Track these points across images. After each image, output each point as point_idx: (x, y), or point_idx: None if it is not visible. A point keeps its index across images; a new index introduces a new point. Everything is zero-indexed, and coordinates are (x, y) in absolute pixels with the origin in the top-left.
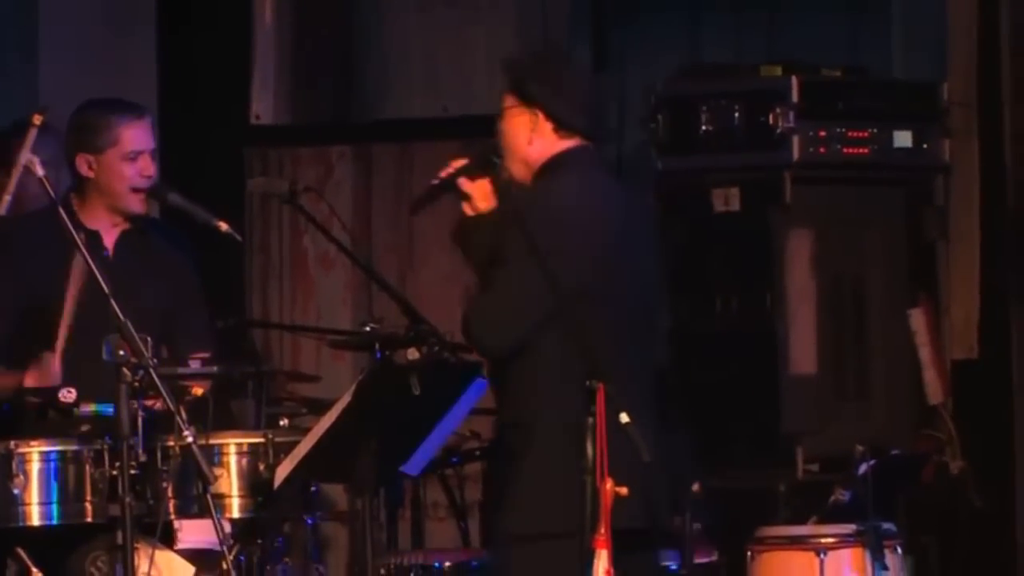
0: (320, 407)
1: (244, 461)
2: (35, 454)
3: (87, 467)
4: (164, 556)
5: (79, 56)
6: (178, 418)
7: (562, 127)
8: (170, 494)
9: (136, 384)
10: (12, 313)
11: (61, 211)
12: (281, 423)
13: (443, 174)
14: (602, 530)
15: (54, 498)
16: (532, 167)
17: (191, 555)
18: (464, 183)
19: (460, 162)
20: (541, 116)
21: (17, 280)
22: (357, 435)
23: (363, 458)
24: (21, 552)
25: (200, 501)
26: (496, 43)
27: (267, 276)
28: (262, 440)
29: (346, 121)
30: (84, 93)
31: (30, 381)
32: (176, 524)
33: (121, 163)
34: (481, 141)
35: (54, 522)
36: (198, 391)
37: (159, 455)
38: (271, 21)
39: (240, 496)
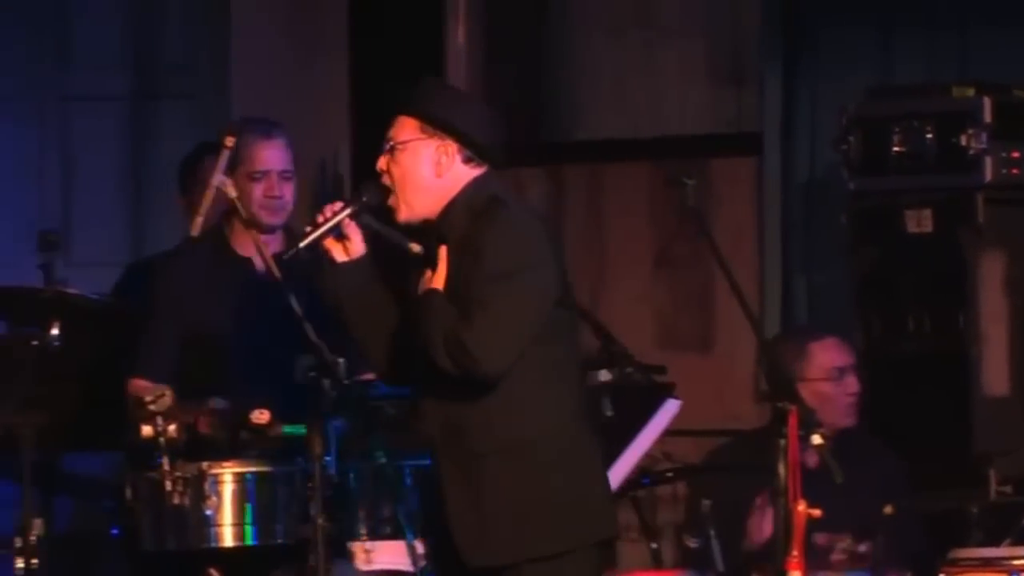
0: None
1: None
2: (228, 475)
3: (279, 488)
4: None
5: (270, 78)
6: (371, 438)
7: (475, 156)
8: (362, 515)
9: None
10: (183, 341)
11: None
12: None
13: (321, 218)
14: (795, 552)
15: (247, 519)
16: (441, 199)
17: None
18: (347, 225)
19: (338, 205)
20: (453, 147)
21: (181, 312)
22: None
23: None
24: (214, 573)
25: (392, 522)
26: (687, 65)
27: None
28: None
29: (538, 142)
30: (275, 115)
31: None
32: (368, 545)
33: (248, 183)
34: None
35: (247, 543)
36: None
37: (352, 476)
38: (463, 43)
39: None
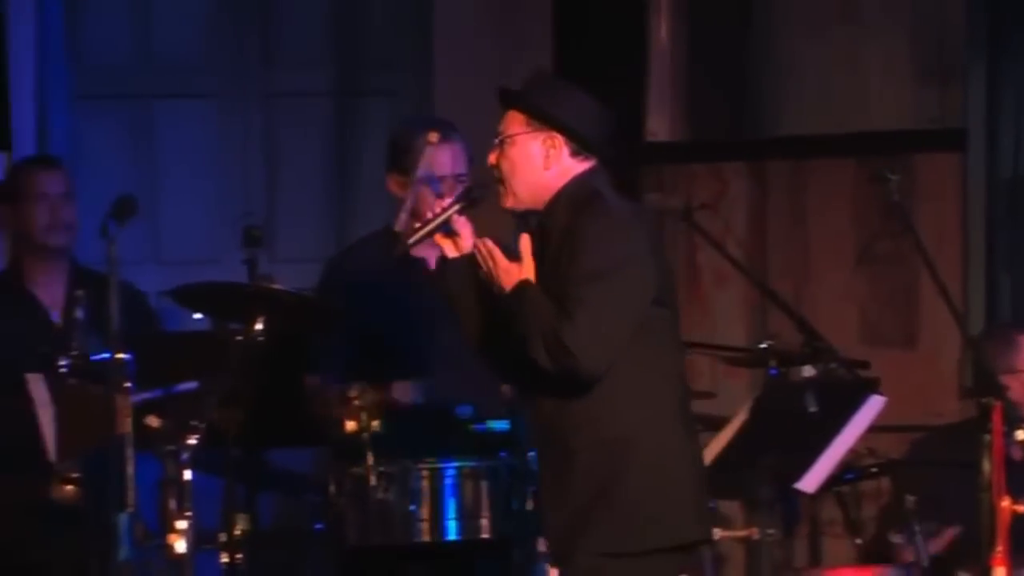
0: (716, 424)
1: None
2: (431, 471)
3: (484, 483)
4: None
5: (474, 73)
6: None
7: (582, 150)
8: None
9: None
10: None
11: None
12: None
13: (430, 214)
14: (1000, 548)
15: (450, 514)
16: (548, 192)
17: None
18: (455, 221)
19: (446, 202)
20: (560, 139)
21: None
22: (753, 452)
23: (758, 475)
24: (419, 569)
25: None
26: (890, 61)
27: None
28: None
29: (740, 138)
30: (479, 110)
31: (398, 394)
32: None
33: (420, 185)
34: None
35: (450, 538)
36: None
37: None
38: (666, 39)
39: None
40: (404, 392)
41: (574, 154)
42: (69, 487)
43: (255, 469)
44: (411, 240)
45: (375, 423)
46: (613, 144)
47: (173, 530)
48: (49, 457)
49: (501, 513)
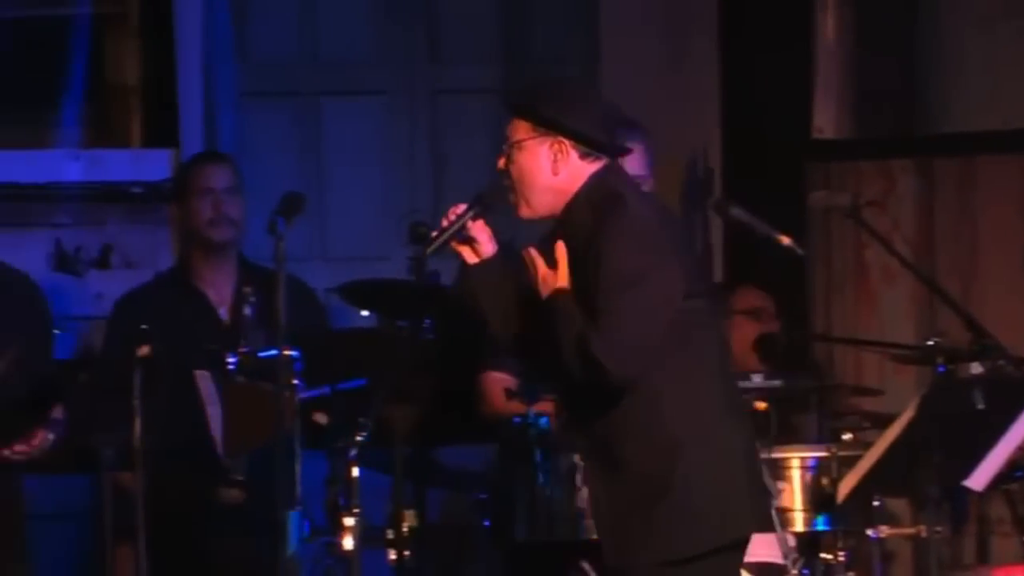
0: (883, 421)
1: (807, 475)
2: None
3: None
4: None
5: (639, 74)
6: None
7: (591, 151)
8: None
9: None
10: None
11: None
12: (844, 437)
13: (445, 222)
14: None
15: None
16: (561, 196)
17: (755, 569)
18: (471, 227)
19: (460, 208)
20: (567, 143)
21: None
22: (920, 449)
23: (926, 472)
24: (586, 565)
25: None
26: None
27: (829, 290)
28: (825, 454)
29: (908, 135)
30: (645, 105)
31: None
32: None
33: None
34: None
35: None
36: (760, 405)
37: None
38: (833, 35)
39: (804, 510)
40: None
41: (583, 156)
42: (234, 490)
43: (423, 466)
44: (428, 249)
45: (542, 420)
46: (619, 139)
47: (341, 527)
48: (217, 454)
49: None
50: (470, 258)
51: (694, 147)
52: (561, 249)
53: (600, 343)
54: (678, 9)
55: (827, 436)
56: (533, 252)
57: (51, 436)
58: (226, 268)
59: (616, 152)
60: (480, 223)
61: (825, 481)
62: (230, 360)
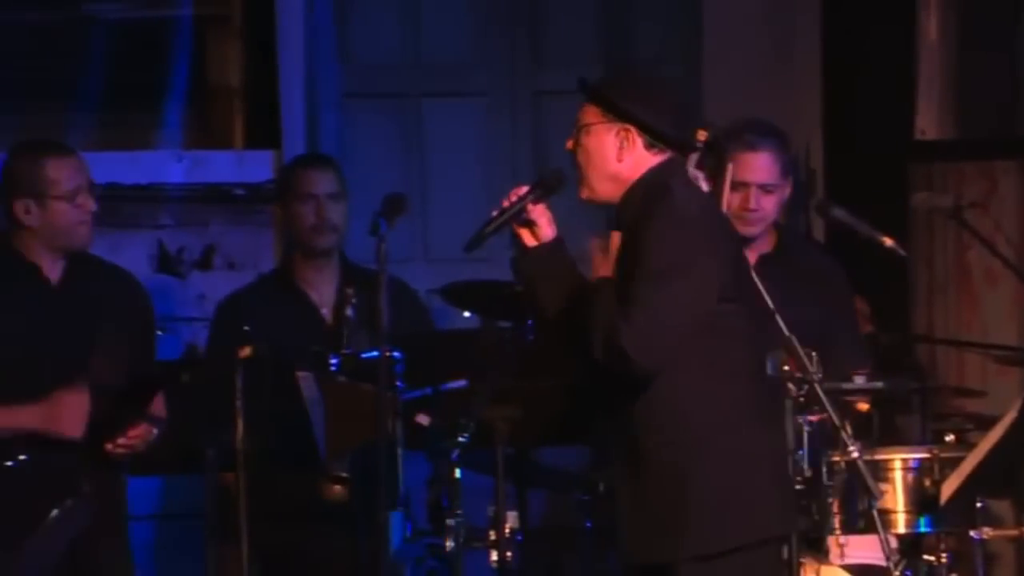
0: (986, 422)
1: (910, 477)
2: None
3: None
4: (830, 572)
5: (743, 69)
6: (843, 433)
7: (656, 143)
8: (835, 509)
9: (801, 399)
10: None
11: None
12: (947, 438)
13: (506, 203)
14: None
15: None
16: (622, 184)
17: (857, 571)
18: (531, 210)
19: (523, 189)
20: (633, 132)
21: None
22: (1023, 450)
23: None
24: None
25: (866, 516)
26: None
27: (932, 291)
28: (928, 455)
29: (1011, 136)
30: (747, 106)
31: None
32: (842, 540)
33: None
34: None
35: None
36: (863, 407)
37: (824, 470)
38: (936, 36)
39: (906, 512)
40: None
41: (648, 147)
42: (337, 487)
43: (524, 467)
44: (486, 229)
45: None
46: (691, 138)
47: (443, 528)
48: (320, 455)
49: None
50: (528, 241)
51: (796, 148)
52: (615, 238)
53: (628, 331)
54: (780, 10)
55: (930, 438)
56: (594, 241)
57: (155, 431)
58: (328, 269)
59: (683, 148)
60: (541, 207)
61: (928, 483)
62: (332, 361)
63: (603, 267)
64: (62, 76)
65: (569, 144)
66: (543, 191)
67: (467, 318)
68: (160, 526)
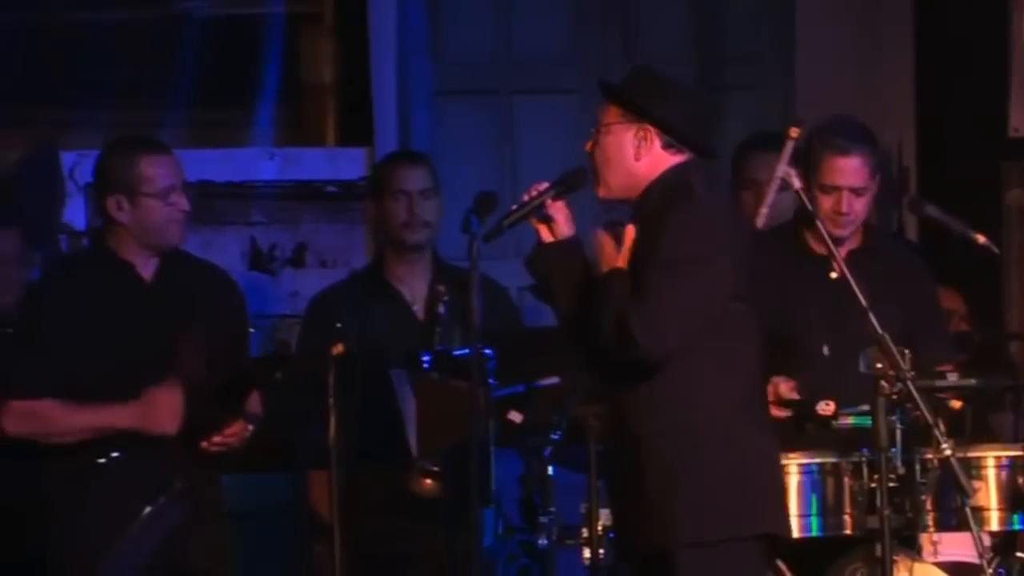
0: None
1: (1003, 474)
2: (794, 466)
3: (846, 479)
4: (924, 569)
5: (835, 70)
6: (936, 431)
7: (673, 143)
8: (929, 507)
9: (894, 396)
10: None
11: (820, 226)
12: None
13: (526, 197)
14: None
15: (813, 510)
16: (639, 183)
17: (950, 568)
18: (550, 206)
19: (543, 185)
20: (652, 132)
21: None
22: None
23: None
24: (781, 564)
25: (959, 514)
26: None
27: None
28: (1021, 453)
29: None
30: (839, 102)
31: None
32: (935, 537)
33: (816, 192)
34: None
35: (813, 534)
36: (956, 404)
37: (917, 468)
38: None
39: (999, 509)
40: (788, 389)
41: (666, 147)
42: (428, 481)
43: None
44: (505, 221)
45: None
46: (709, 139)
47: (536, 525)
48: (411, 452)
49: (864, 509)
50: (546, 236)
51: (888, 145)
52: (630, 231)
53: (637, 317)
54: (873, 8)
55: (1023, 435)
56: (601, 233)
57: (250, 429)
58: (420, 267)
59: (702, 151)
60: (560, 203)
61: (1021, 480)
62: (424, 359)
63: (608, 261)
64: (155, 74)
65: (588, 145)
66: (564, 187)
67: None
68: (251, 524)
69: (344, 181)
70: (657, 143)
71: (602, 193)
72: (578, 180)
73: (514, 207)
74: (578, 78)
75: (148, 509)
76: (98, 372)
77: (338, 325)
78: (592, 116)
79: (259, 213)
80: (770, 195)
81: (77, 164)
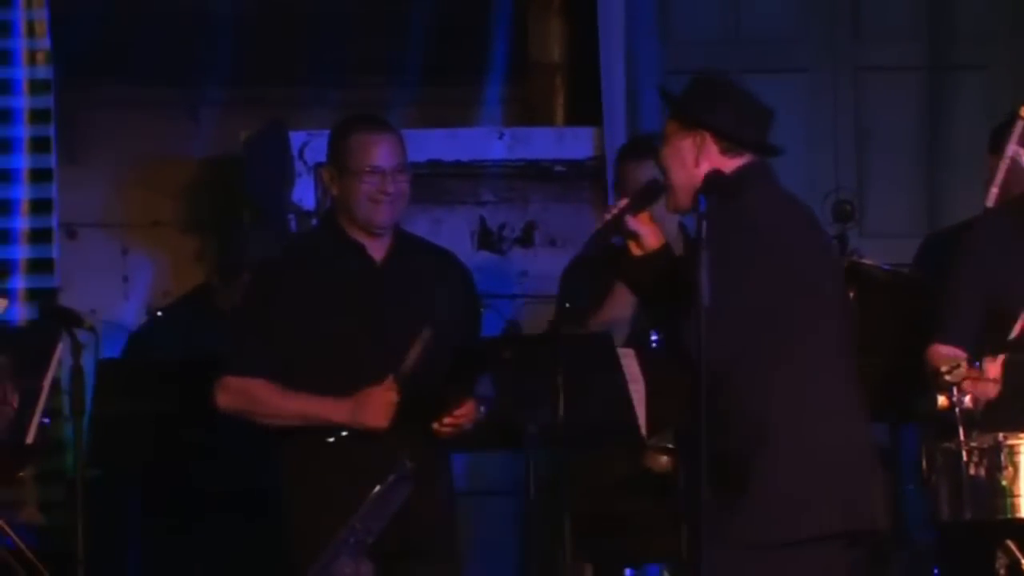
0: None
1: None
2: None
3: None
4: None
5: None
6: None
7: (730, 147)
8: None
9: None
10: None
11: None
12: None
13: (608, 216)
14: None
15: None
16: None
17: None
18: (632, 222)
19: (624, 202)
20: (708, 138)
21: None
22: None
23: None
24: (1011, 544)
25: None
26: None
27: None
28: None
29: None
30: None
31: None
32: None
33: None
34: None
35: None
36: None
37: None
38: None
39: None
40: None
41: (724, 151)
42: (664, 458)
43: None
44: (592, 247)
45: (967, 398)
46: (765, 140)
47: None
48: (641, 432)
49: None
50: (635, 251)
51: None
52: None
53: (688, 331)
54: None
55: None
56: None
57: (482, 410)
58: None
59: (760, 150)
60: (643, 216)
61: None
62: (653, 338)
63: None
64: (384, 54)
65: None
66: (641, 202)
67: None
68: (488, 503)
69: (572, 160)
70: (714, 148)
71: (671, 207)
72: (653, 193)
73: (598, 226)
74: (807, 56)
75: (378, 488)
76: (330, 350)
77: (567, 305)
78: (822, 94)
79: (488, 192)
80: (999, 174)
81: (306, 143)
